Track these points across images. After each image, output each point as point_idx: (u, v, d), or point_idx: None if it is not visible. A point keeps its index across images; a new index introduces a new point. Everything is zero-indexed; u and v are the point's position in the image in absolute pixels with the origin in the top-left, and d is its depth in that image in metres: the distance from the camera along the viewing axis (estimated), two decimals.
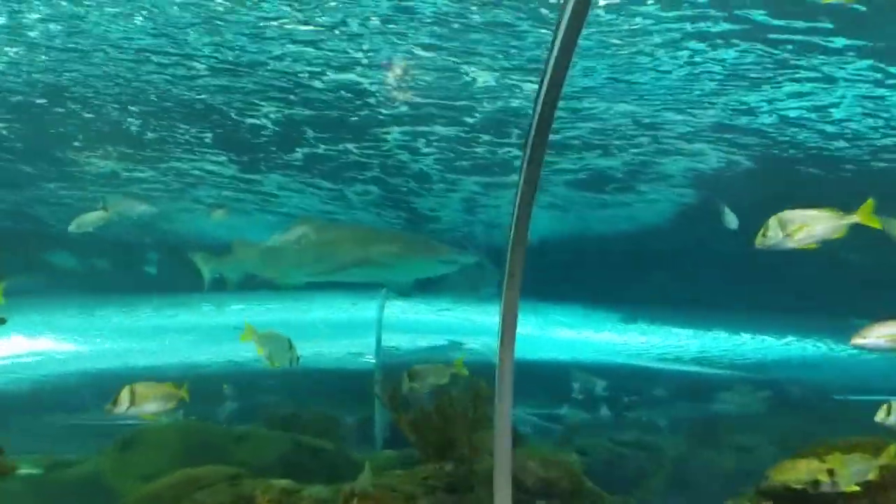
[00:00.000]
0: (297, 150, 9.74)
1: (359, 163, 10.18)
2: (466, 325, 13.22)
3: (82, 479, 7.27)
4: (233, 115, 8.80)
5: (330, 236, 8.26)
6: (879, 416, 4.76)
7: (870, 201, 4.35)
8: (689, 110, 8.75)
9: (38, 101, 8.50)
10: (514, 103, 8.41)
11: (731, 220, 8.42)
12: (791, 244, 4.38)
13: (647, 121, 9.03)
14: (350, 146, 9.61)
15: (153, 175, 10.59)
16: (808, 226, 4.36)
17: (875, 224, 4.31)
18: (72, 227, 7.88)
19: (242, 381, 11.60)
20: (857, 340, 4.69)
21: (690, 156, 10.09)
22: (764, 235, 4.38)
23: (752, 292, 12.85)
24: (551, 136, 2.89)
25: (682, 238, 12.97)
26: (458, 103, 8.37)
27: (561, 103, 2.90)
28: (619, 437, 9.93)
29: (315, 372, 10.23)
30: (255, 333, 6.03)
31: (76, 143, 9.55)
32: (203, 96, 8.40)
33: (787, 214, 4.41)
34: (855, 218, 4.32)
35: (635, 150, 9.96)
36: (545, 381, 11.78)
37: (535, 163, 2.84)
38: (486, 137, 9.30)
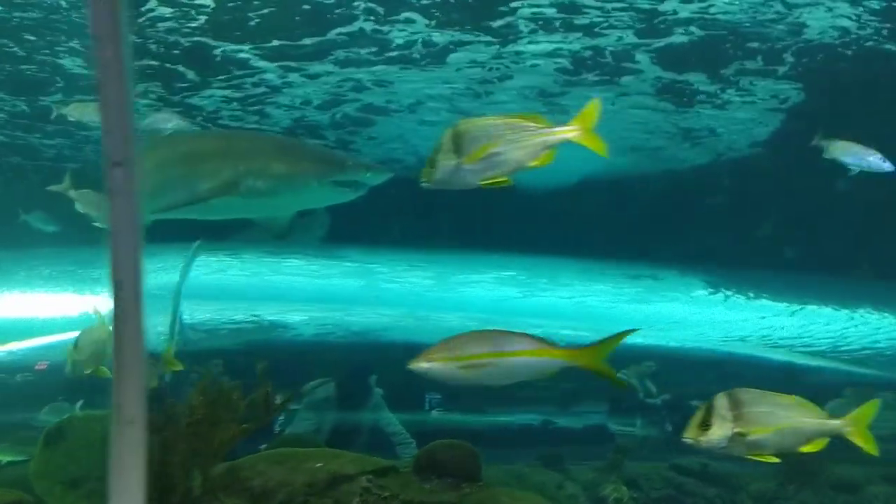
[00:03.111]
0: None
1: None
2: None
3: (13, 480, 6.73)
4: None
5: (184, 149, 6.83)
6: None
7: (592, 105, 3.28)
8: None
9: None
10: None
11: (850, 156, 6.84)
12: (470, 178, 3.34)
13: None
14: None
15: None
16: (495, 145, 3.29)
17: (597, 146, 3.30)
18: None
19: None
20: (421, 364, 3.62)
21: None
22: (431, 165, 3.37)
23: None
24: None
25: (790, 170, 11.59)
26: None
27: None
28: (686, 461, 8.79)
29: None
30: None
31: None
32: None
33: (467, 126, 3.36)
34: (566, 133, 3.31)
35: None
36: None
37: None
38: None
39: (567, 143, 11.95)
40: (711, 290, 12.27)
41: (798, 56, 9.57)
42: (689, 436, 3.51)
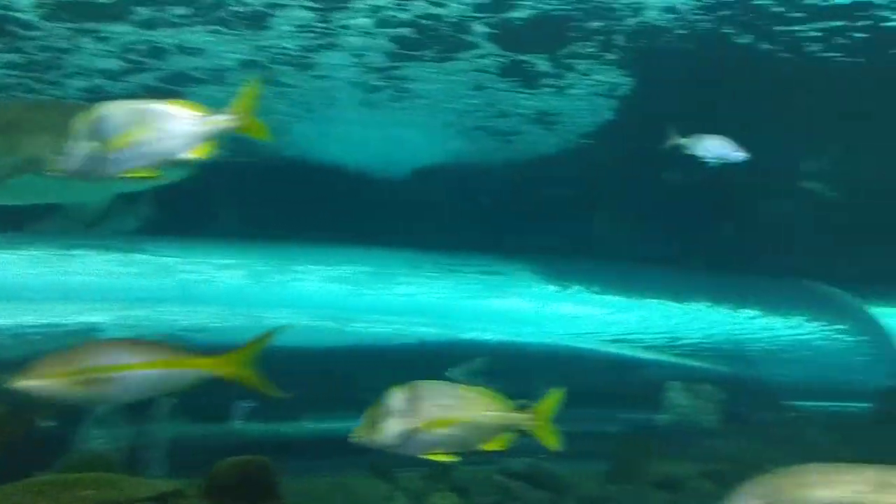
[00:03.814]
0: None
1: None
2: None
3: None
4: None
5: None
6: None
7: (250, 89, 3.36)
8: None
9: None
10: None
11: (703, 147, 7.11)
12: (110, 168, 3.18)
13: None
14: None
15: None
16: (137, 133, 3.10)
17: (259, 132, 3.28)
18: None
19: None
20: (26, 382, 3.44)
21: None
22: (61, 152, 3.32)
23: (733, 245, 11.98)
24: None
25: (626, 160, 11.88)
26: None
27: None
28: (515, 464, 8.76)
29: None
30: None
31: None
32: None
33: (107, 110, 3.18)
34: (222, 123, 3.23)
35: None
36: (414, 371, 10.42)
37: None
38: None
39: (409, 127, 11.45)
40: (553, 284, 12.37)
41: (630, 40, 9.69)
42: (359, 434, 3.32)
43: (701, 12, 9.02)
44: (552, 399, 3.52)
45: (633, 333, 11.56)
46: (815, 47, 9.52)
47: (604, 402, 10.22)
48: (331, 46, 9.86)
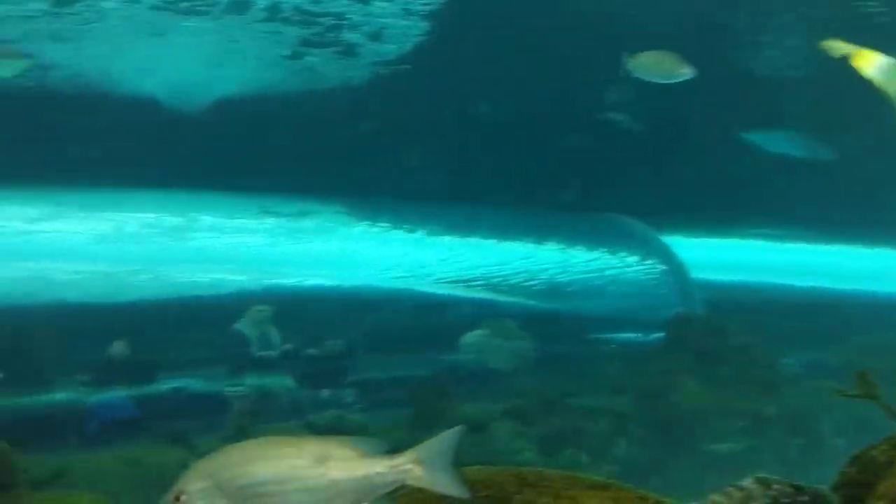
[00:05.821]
0: None
1: None
2: None
3: None
4: None
5: None
6: None
7: None
8: None
9: None
10: None
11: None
12: None
13: None
14: None
15: None
16: None
17: None
18: None
19: None
20: None
21: None
22: None
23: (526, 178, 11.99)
24: None
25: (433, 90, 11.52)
26: None
27: None
28: (321, 417, 8.56)
29: None
30: None
31: None
32: None
33: None
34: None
35: None
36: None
37: None
38: None
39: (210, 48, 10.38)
40: (364, 224, 12.03)
41: None
42: None
43: None
44: None
45: (446, 273, 11.46)
46: None
47: (412, 346, 10.14)
48: None
